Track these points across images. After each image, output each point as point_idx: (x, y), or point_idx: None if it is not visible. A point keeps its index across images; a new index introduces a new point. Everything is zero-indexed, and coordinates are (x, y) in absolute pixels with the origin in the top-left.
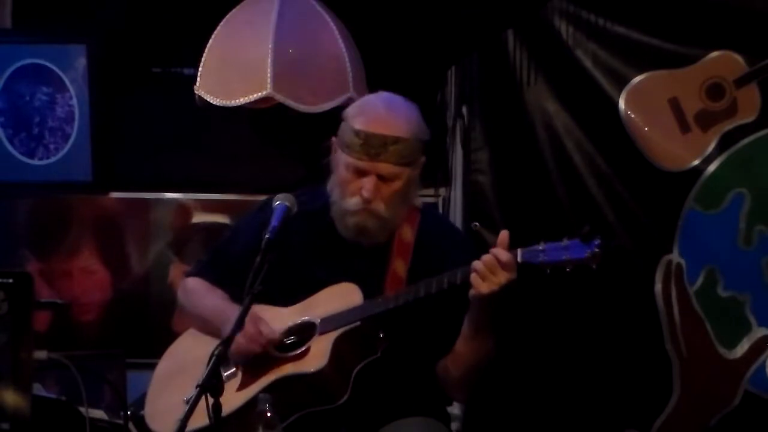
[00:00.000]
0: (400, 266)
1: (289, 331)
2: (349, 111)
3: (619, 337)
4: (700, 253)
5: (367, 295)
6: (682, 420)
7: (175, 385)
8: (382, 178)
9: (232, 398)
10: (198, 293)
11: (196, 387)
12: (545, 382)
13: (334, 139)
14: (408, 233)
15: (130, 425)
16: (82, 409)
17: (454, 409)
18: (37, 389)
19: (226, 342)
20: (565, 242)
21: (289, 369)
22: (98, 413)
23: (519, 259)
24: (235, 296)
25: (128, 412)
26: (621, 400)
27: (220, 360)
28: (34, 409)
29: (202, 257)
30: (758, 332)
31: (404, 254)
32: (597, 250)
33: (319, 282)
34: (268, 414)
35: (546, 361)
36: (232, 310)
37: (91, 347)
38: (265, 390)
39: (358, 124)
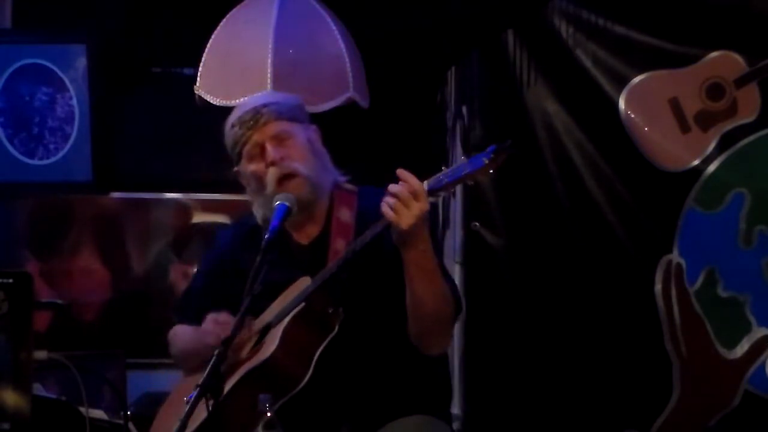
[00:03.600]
0: (341, 245)
1: (257, 336)
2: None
3: (619, 337)
4: (700, 253)
5: None
6: (682, 420)
7: (165, 424)
8: (277, 140)
9: (202, 410)
10: (176, 335)
11: (196, 387)
12: (545, 382)
13: (235, 169)
14: (346, 214)
15: (130, 425)
16: (82, 409)
17: (454, 408)
18: (37, 389)
19: (227, 342)
20: (466, 159)
21: (246, 366)
22: (98, 413)
23: (426, 188)
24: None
25: (128, 412)
26: (621, 400)
27: (220, 360)
28: (34, 409)
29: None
30: (758, 332)
31: (344, 234)
32: (493, 155)
33: (277, 286)
34: (268, 414)
35: (546, 361)
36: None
37: (91, 347)
38: (230, 394)
39: (230, 122)
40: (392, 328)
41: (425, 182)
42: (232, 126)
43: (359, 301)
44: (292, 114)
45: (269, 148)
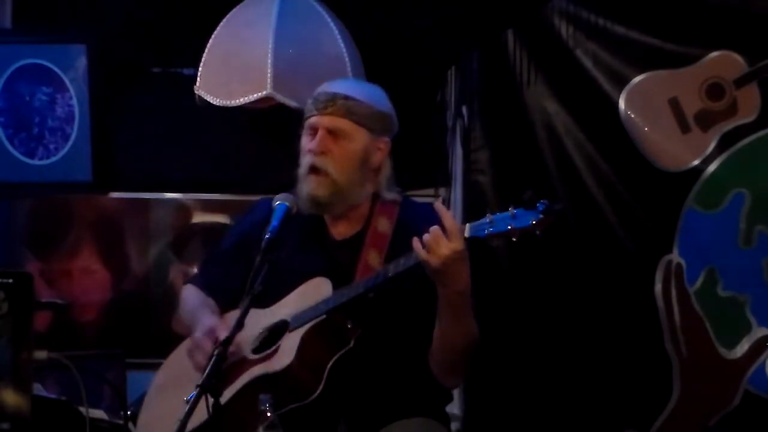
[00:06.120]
0: (373, 257)
1: (266, 333)
2: None
3: (619, 337)
4: (700, 253)
5: (338, 288)
6: (681, 420)
7: (165, 396)
8: (332, 134)
9: (201, 408)
10: (185, 300)
11: (196, 387)
12: (545, 382)
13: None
14: (384, 225)
15: (130, 425)
16: (82, 409)
17: (454, 409)
18: (37, 389)
19: (226, 342)
20: (512, 211)
21: (258, 370)
22: (98, 413)
23: (467, 233)
24: (224, 293)
25: (128, 412)
26: (621, 400)
27: (220, 360)
28: (34, 409)
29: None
30: (758, 332)
31: (379, 245)
32: (542, 216)
33: (299, 276)
34: (268, 414)
35: (546, 361)
36: (201, 314)
37: (91, 347)
38: (237, 395)
39: (314, 92)
40: (403, 345)
41: (467, 225)
42: (311, 97)
43: (379, 321)
44: (365, 120)
45: (319, 136)
